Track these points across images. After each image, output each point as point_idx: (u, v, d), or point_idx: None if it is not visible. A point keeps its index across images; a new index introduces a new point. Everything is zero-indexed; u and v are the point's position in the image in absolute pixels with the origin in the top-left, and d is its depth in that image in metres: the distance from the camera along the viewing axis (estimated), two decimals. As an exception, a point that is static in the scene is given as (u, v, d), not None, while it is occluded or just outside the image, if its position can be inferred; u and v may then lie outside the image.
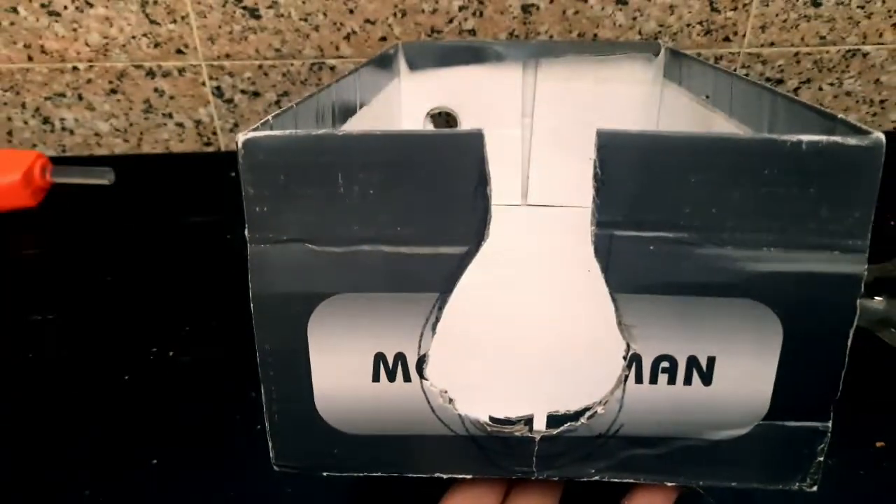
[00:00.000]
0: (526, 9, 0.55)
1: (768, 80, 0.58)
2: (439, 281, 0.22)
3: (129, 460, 0.37)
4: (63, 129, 0.60)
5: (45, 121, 0.59)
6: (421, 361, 0.23)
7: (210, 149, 0.61)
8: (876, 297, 0.40)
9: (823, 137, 0.20)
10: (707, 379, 0.23)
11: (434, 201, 0.21)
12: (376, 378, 0.23)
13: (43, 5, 0.54)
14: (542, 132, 0.52)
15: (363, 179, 0.21)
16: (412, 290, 0.22)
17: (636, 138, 0.21)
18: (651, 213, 0.21)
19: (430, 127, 0.52)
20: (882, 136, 0.20)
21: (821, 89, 0.59)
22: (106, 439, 0.38)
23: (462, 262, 0.22)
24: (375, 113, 0.45)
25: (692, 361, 0.23)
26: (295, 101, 0.27)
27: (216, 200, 0.55)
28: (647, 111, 0.50)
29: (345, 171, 0.21)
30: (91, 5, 0.54)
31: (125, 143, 0.61)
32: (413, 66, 0.50)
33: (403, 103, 0.51)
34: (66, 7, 0.54)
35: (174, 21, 0.55)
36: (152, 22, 0.55)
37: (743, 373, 0.23)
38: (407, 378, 0.23)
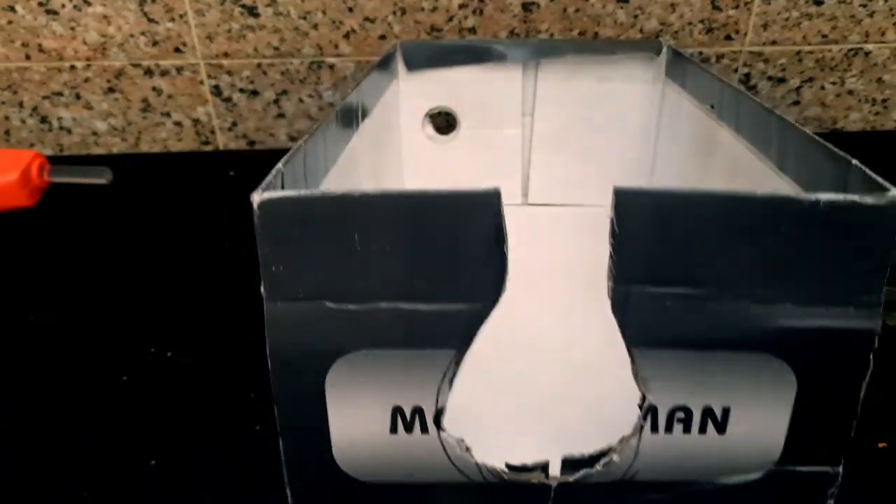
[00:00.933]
0: (526, 7, 0.55)
1: (770, 78, 0.58)
2: (456, 338, 0.22)
3: (128, 461, 0.37)
4: (61, 128, 0.60)
5: (43, 120, 0.59)
6: (438, 414, 0.23)
7: (208, 148, 0.61)
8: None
9: (840, 196, 0.20)
10: (721, 428, 0.23)
11: (451, 259, 0.21)
12: (394, 430, 0.23)
13: (41, 4, 0.54)
14: (542, 131, 0.51)
15: (380, 238, 0.21)
16: (429, 347, 0.22)
17: (652, 196, 0.21)
18: (668, 268, 0.21)
19: (429, 127, 0.52)
20: None
21: (823, 88, 0.59)
22: (104, 440, 0.38)
23: (479, 319, 0.22)
24: (377, 122, 0.45)
25: (707, 412, 0.23)
26: (304, 139, 0.26)
27: (214, 199, 0.55)
28: (647, 110, 0.50)
29: (361, 230, 0.21)
30: (89, 4, 0.54)
31: (123, 142, 0.61)
32: (411, 66, 0.49)
33: (402, 104, 0.51)
34: (63, 5, 0.54)
35: (172, 20, 0.55)
36: (150, 20, 0.55)
37: (757, 421, 0.23)
38: (424, 430, 0.23)
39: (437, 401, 0.23)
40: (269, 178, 0.23)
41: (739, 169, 0.35)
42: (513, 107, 0.51)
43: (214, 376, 0.41)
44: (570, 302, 0.43)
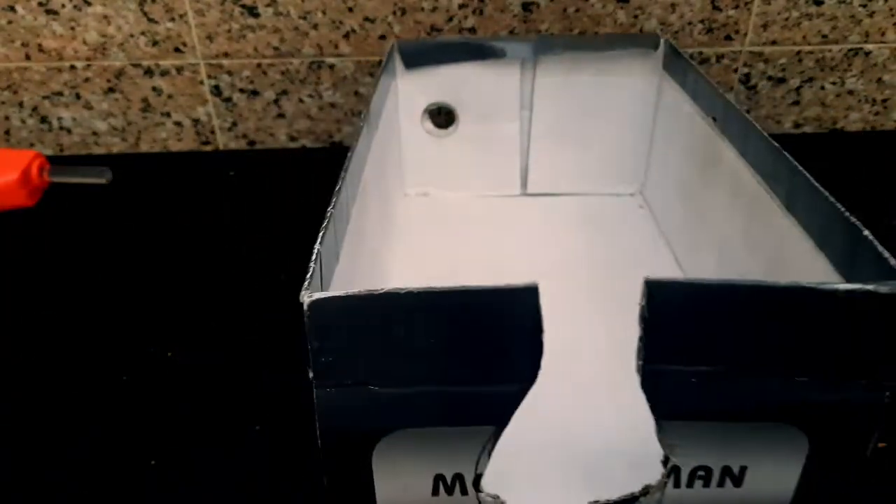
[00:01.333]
0: (526, 7, 0.55)
1: (770, 78, 0.58)
2: (496, 416, 0.24)
3: (128, 461, 0.37)
4: (61, 128, 0.60)
5: (43, 120, 0.59)
6: (477, 478, 0.25)
7: (208, 148, 0.61)
8: None
9: (858, 286, 0.22)
10: (738, 482, 0.25)
11: (491, 348, 0.23)
12: (435, 493, 0.25)
13: (41, 4, 0.54)
14: (540, 124, 0.52)
15: (422, 331, 0.22)
16: (470, 424, 0.24)
17: (682, 287, 0.22)
18: (693, 349, 0.23)
19: (427, 122, 0.52)
20: None
21: (823, 88, 0.59)
22: (104, 440, 0.38)
23: (518, 398, 0.23)
24: (380, 121, 0.45)
25: (726, 470, 0.25)
26: (331, 206, 0.28)
27: (214, 200, 0.55)
28: (645, 102, 0.51)
29: (406, 324, 0.22)
30: (89, 4, 0.54)
31: (123, 142, 0.61)
32: (409, 64, 0.49)
33: (401, 101, 0.51)
34: (63, 5, 0.54)
35: (172, 19, 0.55)
36: (150, 20, 0.55)
37: (771, 475, 0.25)
38: (464, 492, 0.25)
39: (477, 468, 0.25)
40: (311, 268, 0.24)
41: (741, 191, 0.36)
42: (511, 101, 0.51)
43: (214, 376, 0.41)
44: (572, 308, 0.43)
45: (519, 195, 0.54)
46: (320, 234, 0.27)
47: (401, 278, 0.47)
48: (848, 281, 0.25)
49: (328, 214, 0.28)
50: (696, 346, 0.23)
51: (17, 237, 0.52)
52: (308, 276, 0.23)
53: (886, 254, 0.23)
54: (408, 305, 0.22)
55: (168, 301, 0.46)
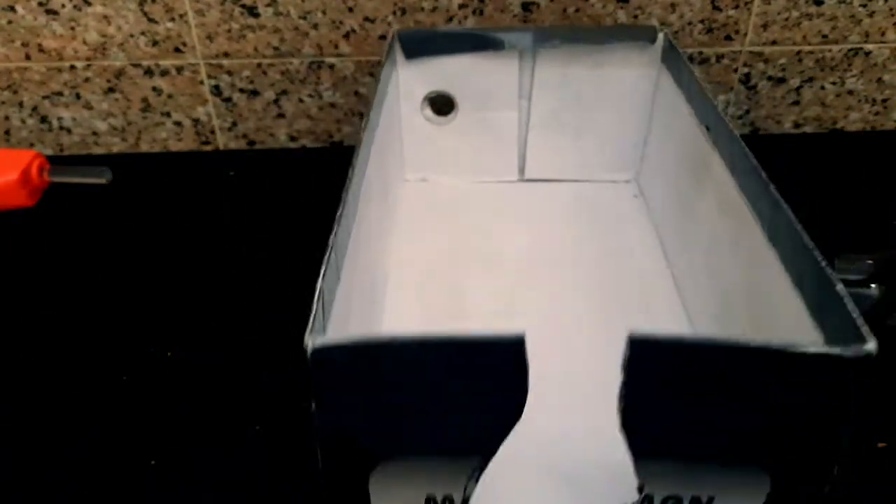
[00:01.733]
0: (526, 6, 0.55)
1: (770, 78, 0.58)
2: (484, 446, 0.26)
3: (128, 461, 0.37)
4: (61, 128, 0.60)
5: (43, 120, 0.59)
6: (465, 500, 0.27)
7: (208, 148, 0.61)
8: (872, 285, 0.40)
9: (824, 350, 0.24)
10: None
11: (480, 388, 0.25)
12: None
13: (41, 4, 0.54)
14: (538, 113, 0.52)
15: (417, 374, 0.25)
16: (460, 454, 0.26)
17: (662, 343, 0.24)
18: (670, 397, 0.25)
19: (427, 109, 0.53)
20: (874, 348, 0.24)
21: (823, 88, 0.59)
22: (105, 440, 0.38)
23: (504, 432, 0.25)
24: (383, 118, 0.46)
25: (695, 499, 0.27)
26: (332, 234, 0.30)
27: (215, 199, 0.55)
28: (642, 92, 0.51)
29: (402, 368, 0.24)
30: (89, 4, 0.54)
31: (123, 142, 0.61)
32: (409, 54, 0.50)
33: (402, 89, 0.52)
34: (63, 5, 0.54)
35: (172, 19, 0.55)
36: (150, 20, 0.55)
37: None
38: None
39: (465, 491, 0.27)
40: (314, 308, 0.26)
41: (728, 206, 0.38)
42: (510, 91, 0.52)
43: (214, 376, 0.41)
44: (561, 304, 0.44)
45: (517, 181, 0.55)
46: (322, 268, 0.28)
47: (400, 275, 0.47)
48: (819, 324, 0.27)
49: (329, 245, 0.30)
50: (672, 394, 0.25)
51: (17, 237, 0.52)
52: (311, 316, 0.25)
53: (856, 313, 0.25)
54: (403, 352, 0.24)
55: (168, 301, 0.46)
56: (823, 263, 0.28)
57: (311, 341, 0.24)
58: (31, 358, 0.43)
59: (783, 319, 0.31)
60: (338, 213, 0.32)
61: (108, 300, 0.47)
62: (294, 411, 0.37)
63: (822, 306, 0.28)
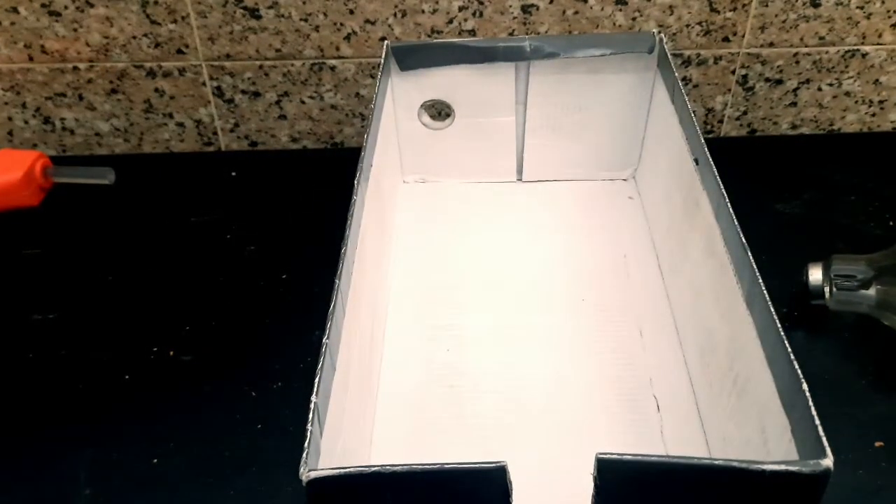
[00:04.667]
0: (526, 9, 0.55)
1: (767, 80, 0.58)
2: None
3: (130, 460, 0.37)
4: (64, 128, 0.60)
5: (46, 121, 0.60)
6: None
7: (210, 149, 0.61)
8: (874, 286, 0.41)
9: (783, 467, 0.25)
10: None
11: None
12: None
13: (43, 5, 0.54)
14: (535, 117, 0.53)
15: (407, 500, 0.27)
16: None
17: (628, 463, 0.25)
18: None
19: (425, 117, 0.53)
20: (830, 466, 0.25)
21: (820, 90, 0.59)
22: (106, 439, 0.38)
23: None
24: (382, 123, 0.46)
25: None
26: (325, 335, 0.31)
27: (216, 200, 0.55)
28: (638, 97, 0.52)
29: (393, 494, 0.26)
30: (92, 5, 0.54)
31: (126, 143, 0.61)
32: (403, 66, 0.50)
33: (397, 98, 0.52)
34: (66, 7, 0.54)
35: (175, 21, 0.55)
36: (153, 22, 0.55)
37: None
38: None
39: None
40: (308, 433, 0.28)
41: (714, 253, 0.38)
42: (506, 97, 0.52)
43: (215, 376, 0.41)
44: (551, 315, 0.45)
45: (515, 181, 0.56)
46: (315, 381, 0.29)
47: (401, 283, 0.47)
48: (786, 412, 0.29)
49: (321, 360, 0.30)
50: None
51: (20, 237, 0.52)
52: (306, 444, 0.27)
53: (819, 427, 0.26)
54: (393, 481, 0.26)
55: (170, 301, 0.47)
56: (790, 353, 0.29)
57: (307, 475, 0.26)
58: (33, 357, 0.43)
59: (757, 383, 0.32)
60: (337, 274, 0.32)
61: (110, 300, 0.47)
62: (294, 411, 0.37)
63: (792, 398, 0.29)
